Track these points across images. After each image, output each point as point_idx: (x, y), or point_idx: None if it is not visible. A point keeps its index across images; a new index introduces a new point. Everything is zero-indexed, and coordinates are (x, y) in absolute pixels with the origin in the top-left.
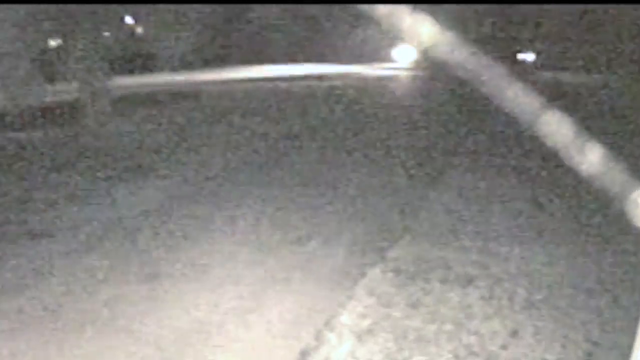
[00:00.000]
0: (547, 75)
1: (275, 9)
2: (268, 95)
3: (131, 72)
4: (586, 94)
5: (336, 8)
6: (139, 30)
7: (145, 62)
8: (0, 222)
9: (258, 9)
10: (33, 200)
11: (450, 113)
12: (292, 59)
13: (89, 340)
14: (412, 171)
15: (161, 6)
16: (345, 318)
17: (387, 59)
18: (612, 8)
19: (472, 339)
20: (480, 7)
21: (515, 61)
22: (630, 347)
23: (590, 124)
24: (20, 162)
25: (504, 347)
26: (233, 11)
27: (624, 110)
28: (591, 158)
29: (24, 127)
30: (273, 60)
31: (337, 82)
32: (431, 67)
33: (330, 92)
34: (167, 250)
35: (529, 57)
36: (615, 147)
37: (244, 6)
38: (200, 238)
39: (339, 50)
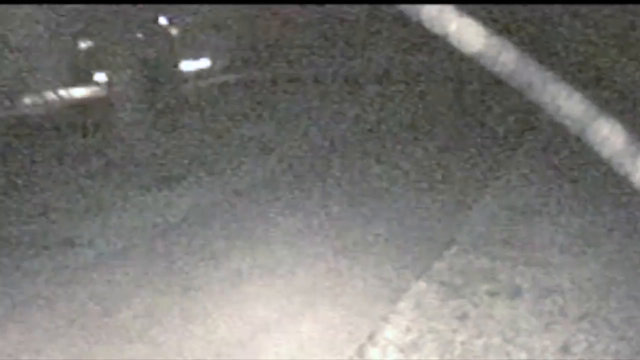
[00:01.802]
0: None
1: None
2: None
3: (163, 75)
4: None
5: None
6: (174, 31)
7: (179, 64)
8: (25, 232)
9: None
10: (58, 210)
11: (496, 122)
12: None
13: (116, 354)
14: (458, 181)
15: (197, 7)
16: (389, 332)
17: None
18: None
19: (521, 354)
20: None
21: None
22: None
23: None
24: (45, 169)
25: None
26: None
27: None
28: None
29: (50, 132)
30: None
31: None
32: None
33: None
34: (198, 262)
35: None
36: None
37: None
38: (233, 249)
39: None
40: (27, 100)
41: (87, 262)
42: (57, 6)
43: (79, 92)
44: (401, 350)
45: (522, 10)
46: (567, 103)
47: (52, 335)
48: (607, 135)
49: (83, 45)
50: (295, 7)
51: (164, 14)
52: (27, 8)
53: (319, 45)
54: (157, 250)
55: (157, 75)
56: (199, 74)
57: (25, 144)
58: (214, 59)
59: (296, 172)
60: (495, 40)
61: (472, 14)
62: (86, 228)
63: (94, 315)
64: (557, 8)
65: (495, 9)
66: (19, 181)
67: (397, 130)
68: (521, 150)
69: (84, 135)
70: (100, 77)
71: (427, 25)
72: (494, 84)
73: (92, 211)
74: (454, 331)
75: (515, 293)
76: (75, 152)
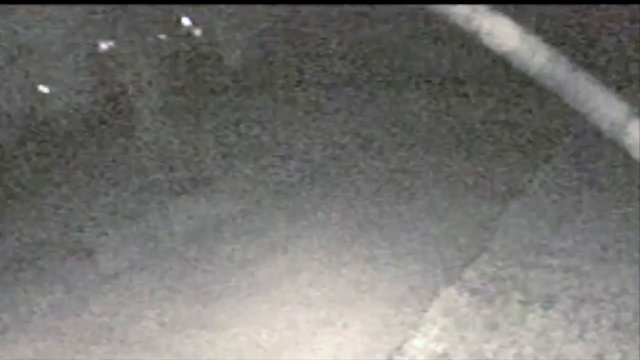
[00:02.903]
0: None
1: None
2: (338, 99)
3: (187, 78)
4: None
5: None
6: (197, 32)
7: (204, 68)
8: (44, 240)
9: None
10: (78, 217)
11: (531, 125)
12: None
13: None
14: (490, 186)
15: (221, 7)
16: (419, 341)
17: None
18: None
19: None
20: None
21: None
22: None
23: None
24: (64, 175)
25: None
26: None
27: None
28: None
29: (70, 136)
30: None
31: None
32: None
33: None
34: (224, 270)
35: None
36: None
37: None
38: (260, 256)
39: None
40: (46, 104)
41: (108, 271)
42: (76, 6)
43: (100, 95)
44: None
45: (556, 9)
46: (602, 105)
47: (73, 345)
48: None
49: (104, 46)
50: (325, 8)
51: (188, 14)
52: (46, 8)
53: (349, 46)
54: (179, 259)
55: (181, 78)
56: (222, 76)
57: (43, 148)
58: (237, 61)
59: (322, 178)
60: (529, 40)
61: (505, 12)
62: (107, 236)
63: (116, 325)
64: (593, 7)
65: (529, 7)
66: (37, 187)
67: (426, 134)
68: (555, 155)
69: (105, 140)
70: (121, 79)
71: (459, 24)
72: (526, 85)
73: (113, 218)
74: (485, 341)
75: (548, 302)
76: (95, 157)
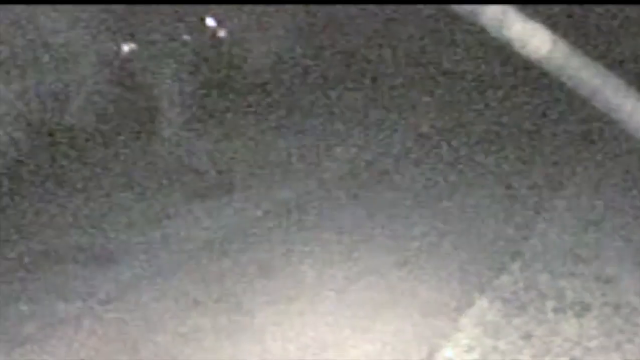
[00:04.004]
0: None
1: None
2: (369, 101)
3: (211, 80)
4: None
5: None
6: (222, 33)
7: (229, 69)
8: (63, 246)
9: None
10: (98, 223)
11: (567, 130)
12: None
13: None
14: (523, 192)
15: (248, 6)
16: (449, 351)
17: None
18: None
19: None
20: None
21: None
22: None
23: None
24: (85, 180)
25: None
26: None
27: None
28: None
29: (91, 140)
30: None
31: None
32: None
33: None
34: (251, 278)
35: None
36: None
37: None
38: (288, 263)
39: None
40: (68, 106)
41: (129, 279)
42: (99, 7)
43: (122, 98)
44: None
45: (590, 12)
46: (636, 112)
47: (92, 355)
48: None
49: (126, 48)
50: (352, 9)
51: (212, 14)
52: (68, 8)
53: (378, 47)
54: (203, 266)
55: (205, 80)
56: (248, 78)
57: (64, 152)
58: (263, 62)
59: (352, 183)
60: (562, 45)
61: (537, 15)
62: (128, 243)
63: (137, 335)
64: (628, 10)
65: (561, 10)
66: (55, 191)
67: (461, 140)
68: (589, 160)
69: (126, 143)
70: (144, 81)
71: (489, 28)
72: (560, 90)
73: (134, 224)
74: (519, 350)
75: (583, 310)
76: (116, 161)
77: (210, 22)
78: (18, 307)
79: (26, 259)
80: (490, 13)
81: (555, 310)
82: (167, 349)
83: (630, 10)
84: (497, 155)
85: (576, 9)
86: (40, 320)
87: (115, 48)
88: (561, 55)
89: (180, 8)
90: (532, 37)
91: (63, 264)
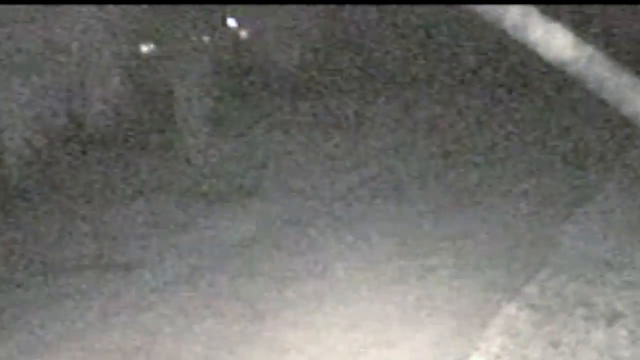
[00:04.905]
0: None
1: None
2: (395, 103)
3: (234, 81)
4: None
5: None
6: (243, 34)
7: (250, 71)
8: (79, 255)
9: None
10: (115, 230)
11: (596, 134)
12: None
13: None
14: (552, 197)
15: (269, 7)
16: (477, 359)
17: None
18: None
19: None
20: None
21: None
22: None
23: None
24: (101, 186)
25: None
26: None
27: None
28: None
29: (107, 145)
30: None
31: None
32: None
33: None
34: (272, 285)
35: None
36: None
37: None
38: (311, 270)
39: None
40: (85, 110)
41: (146, 287)
42: (117, 7)
43: (140, 100)
44: None
45: (615, 14)
46: None
47: None
48: None
49: (145, 48)
50: (377, 9)
51: (233, 15)
52: (86, 8)
53: (402, 48)
54: (223, 273)
55: (226, 82)
56: (270, 81)
57: (80, 154)
58: (285, 64)
59: (377, 187)
60: (586, 48)
61: (560, 17)
62: (145, 250)
63: (154, 344)
64: None
65: (585, 11)
66: (73, 195)
67: (486, 145)
68: (619, 164)
69: (146, 146)
70: (163, 83)
71: (510, 30)
72: (585, 95)
73: (155, 230)
74: (547, 359)
75: (614, 318)
76: (136, 164)
77: (231, 22)
78: (37, 315)
79: (43, 268)
80: (512, 14)
81: (585, 318)
82: (185, 355)
83: None
84: (524, 160)
85: (600, 9)
86: (57, 330)
87: (133, 49)
88: (585, 57)
89: (201, 8)
90: (555, 39)
91: (82, 270)
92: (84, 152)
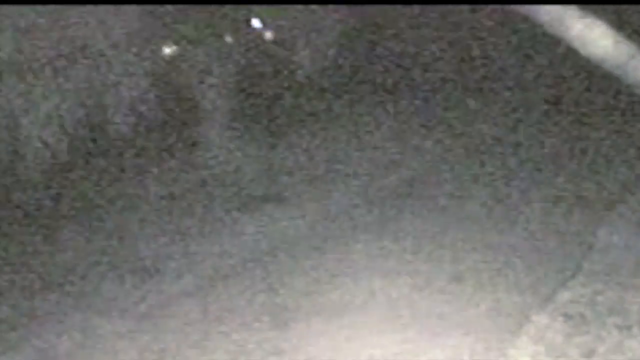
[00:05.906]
0: None
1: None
2: (424, 107)
3: (258, 84)
4: None
5: None
6: (268, 35)
7: (275, 73)
8: (99, 260)
9: None
10: (136, 235)
11: (629, 135)
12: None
13: None
14: (585, 202)
15: (295, 7)
16: None
17: None
18: None
19: None
20: None
21: None
22: None
23: None
24: (123, 190)
25: None
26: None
27: None
28: None
29: (129, 148)
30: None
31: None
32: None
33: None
34: (300, 293)
35: None
36: None
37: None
38: (339, 277)
39: None
40: (106, 112)
41: (168, 294)
42: (139, 7)
43: (162, 103)
44: None
45: None
46: None
47: None
48: None
49: (167, 50)
50: (406, 9)
51: (258, 15)
52: (106, 9)
53: (430, 50)
54: (247, 281)
55: (250, 85)
56: (295, 84)
57: (100, 157)
58: (312, 66)
59: (406, 194)
60: (625, 45)
61: (598, 14)
62: (167, 256)
63: (176, 352)
64: None
65: (624, 8)
66: (91, 200)
67: (515, 146)
68: None
69: (167, 150)
70: (185, 85)
71: (547, 27)
72: (621, 92)
73: (176, 236)
74: None
75: None
76: (157, 168)
77: (256, 23)
78: (53, 323)
79: (60, 273)
80: (550, 12)
81: (620, 328)
82: None
83: None
84: (557, 162)
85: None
86: (76, 338)
87: (155, 50)
88: (624, 55)
89: (224, 8)
90: (593, 36)
91: (99, 277)
92: (105, 157)
